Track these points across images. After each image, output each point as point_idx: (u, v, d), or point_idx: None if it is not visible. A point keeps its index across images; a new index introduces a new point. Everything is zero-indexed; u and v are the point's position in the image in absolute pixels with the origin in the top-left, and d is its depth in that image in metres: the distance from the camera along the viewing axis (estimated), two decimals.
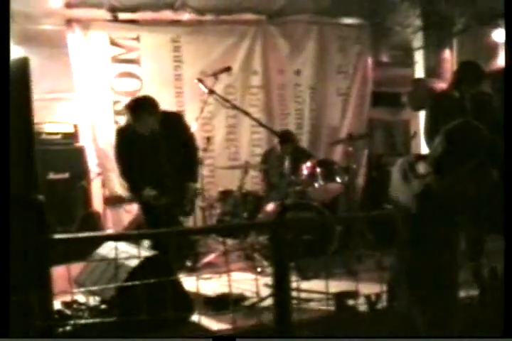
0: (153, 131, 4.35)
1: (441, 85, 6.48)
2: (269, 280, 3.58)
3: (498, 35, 6.53)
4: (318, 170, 5.32)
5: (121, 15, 6.05)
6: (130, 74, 6.20)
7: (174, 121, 4.56)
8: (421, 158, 2.68)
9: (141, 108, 4.32)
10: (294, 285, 3.46)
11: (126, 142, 4.38)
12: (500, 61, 6.62)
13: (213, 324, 3.60)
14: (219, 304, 3.89)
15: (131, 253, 3.56)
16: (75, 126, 6.13)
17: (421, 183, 2.55)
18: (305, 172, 5.35)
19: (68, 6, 5.76)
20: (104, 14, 5.97)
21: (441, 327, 2.61)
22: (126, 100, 6.01)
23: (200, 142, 5.77)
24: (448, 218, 2.55)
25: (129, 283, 3.31)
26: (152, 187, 4.33)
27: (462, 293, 3.56)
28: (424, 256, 2.60)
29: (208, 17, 6.39)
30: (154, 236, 4.52)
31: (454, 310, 2.67)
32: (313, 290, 4.02)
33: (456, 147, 2.50)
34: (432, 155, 2.59)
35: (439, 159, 2.53)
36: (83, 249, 4.15)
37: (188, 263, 5.11)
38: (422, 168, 2.60)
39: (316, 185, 5.31)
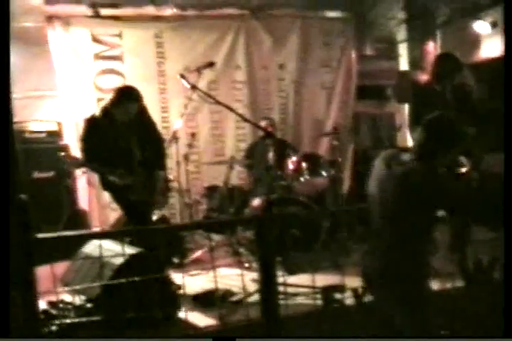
0: (130, 119, 4.41)
1: (426, 78, 6.51)
2: (256, 275, 3.59)
3: (481, 27, 6.54)
4: (303, 164, 5.32)
5: (103, 12, 5.98)
6: (113, 71, 6.15)
7: (145, 112, 4.62)
8: (405, 149, 2.76)
9: (129, 96, 4.39)
10: (280, 279, 3.47)
11: (97, 131, 4.38)
12: (483, 53, 6.65)
13: (201, 320, 3.59)
14: (206, 300, 3.89)
15: (115, 251, 3.54)
16: (59, 124, 6.06)
17: (402, 169, 2.61)
18: (290, 166, 5.35)
19: (48, 2, 5.67)
20: (85, 10, 5.91)
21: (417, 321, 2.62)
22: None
23: (185, 138, 5.77)
24: (424, 204, 2.57)
25: (115, 282, 3.30)
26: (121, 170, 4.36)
27: (448, 285, 3.61)
28: (400, 242, 2.62)
29: (191, 12, 6.35)
30: (140, 234, 4.52)
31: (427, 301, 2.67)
32: (300, 284, 4.03)
33: (433, 137, 2.64)
34: (414, 144, 2.73)
35: (420, 147, 2.66)
36: (69, 248, 4.12)
37: (176, 260, 5.10)
38: (405, 156, 2.68)
39: (302, 179, 5.31)
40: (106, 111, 4.41)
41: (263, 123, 5.81)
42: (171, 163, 5.76)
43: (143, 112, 4.54)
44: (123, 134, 4.37)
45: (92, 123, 4.43)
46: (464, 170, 3.43)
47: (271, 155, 5.24)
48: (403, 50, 7.59)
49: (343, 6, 6.98)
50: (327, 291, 3.67)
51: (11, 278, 2.43)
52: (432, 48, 7.36)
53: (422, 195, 2.54)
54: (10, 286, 2.47)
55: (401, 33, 7.55)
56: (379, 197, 2.70)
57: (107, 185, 4.48)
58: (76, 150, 5.90)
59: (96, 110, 4.56)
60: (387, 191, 2.63)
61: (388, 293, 2.65)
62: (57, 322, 3.29)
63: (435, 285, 3.64)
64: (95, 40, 6.04)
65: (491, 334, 2.93)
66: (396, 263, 2.62)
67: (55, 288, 3.19)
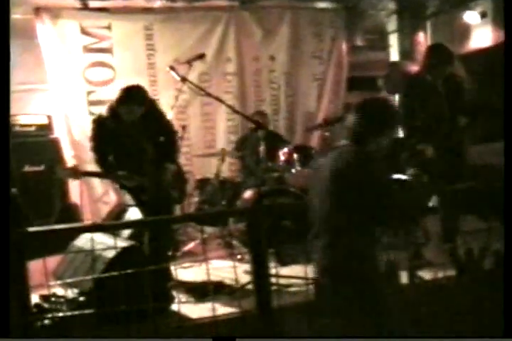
0: (137, 118, 4.30)
1: (416, 68, 6.51)
2: (249, 267, 3.60)
3: (471, 17, 6.54)
4: (295, 155, 5.32)
5: (92, 3, 5.93)
6: (103, 64, 6.11)
7: (154, 107, 4.51)
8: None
9: (134, 98, 4.25)
10: (273, 271, 3.48)
11: (105, 130, 4.28)
12: (473, 43, 6.66)
13: (194, 312, 3.59)
14: (199, 292, 3.89)
15: (107, 245, 3.54)
16: (49, 118, 6.03)
17: (335, 153, 2.62)
18: (282, 158, 5.35)
19: None
20: (73, 2, 5.85)
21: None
22: (99, 90, 5.98)
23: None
24: (356, 190, 2.51)
25: (107, 275, 3.30)
26: (128, 171, 4.24)
27: (439, 274, 3.63)
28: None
29: (180, 4, 6.31)
30: (132, 227, 4.51)
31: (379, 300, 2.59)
32: (293, 275, 4.03)
33: (363, 120, 2.63)
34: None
35: (351, 131, 2.64)
36: (61, 241, 4.11)
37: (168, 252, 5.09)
38: (341, 143, 2.69)
39: (293, 170, 5.31)
40: (112, 110, 4.29)
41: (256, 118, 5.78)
42: None
43: (152, 108, 4.41)
44: (132, 133, 4.26)
45: (99, 123, 4.32)
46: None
47: (262, 146, 5.23)
48: (394, 40, 7.59)
49: None
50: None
51: (10, 278, 2.43)
52: (423, 39, 7.36)
53: (353, 179, 2.49)
54: (10, 286, 2.47)
55: (391, 24, 7.55)
56: (317, 186, 2.67)
57: (121, 187, 4.44)
58: (66, 144, 5.92)
59: (102, 110, 4.40)
60: (323, 179, 2.61)
61: (335, 290, 2.58)
62: (49, 315, 3.28)
63: (427, 275, 3.69)
64: (84, 32, 6.00)
65: (490, 334, 2.93)
66: (342, 259, 2.58)
67: (47, 281, 3.19)
